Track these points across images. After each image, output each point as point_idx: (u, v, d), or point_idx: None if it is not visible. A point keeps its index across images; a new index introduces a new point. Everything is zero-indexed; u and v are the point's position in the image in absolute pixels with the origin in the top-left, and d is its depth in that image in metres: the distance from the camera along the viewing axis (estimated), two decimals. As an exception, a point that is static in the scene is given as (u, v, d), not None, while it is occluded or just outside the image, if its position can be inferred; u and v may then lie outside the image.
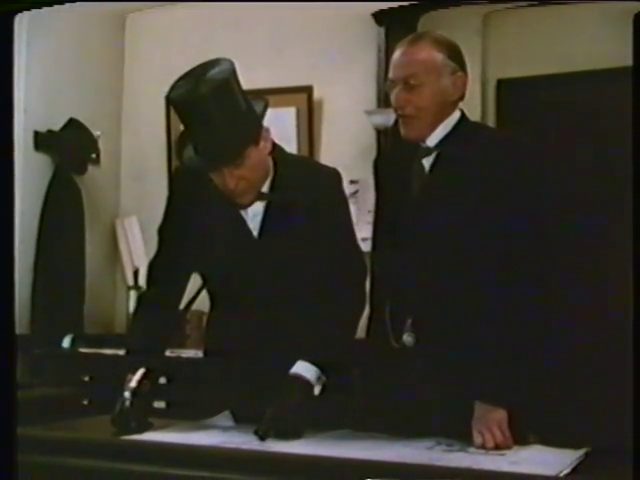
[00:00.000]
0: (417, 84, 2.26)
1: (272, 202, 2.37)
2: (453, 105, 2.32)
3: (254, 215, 2.38)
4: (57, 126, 4.61)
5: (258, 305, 2.37)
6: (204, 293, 2.51)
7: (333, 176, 2.47)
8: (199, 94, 2.17)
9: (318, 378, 2.25)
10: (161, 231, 2.50)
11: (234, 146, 2.24)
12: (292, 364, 2.25)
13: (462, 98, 2.34)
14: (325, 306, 2.33)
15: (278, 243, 2.36)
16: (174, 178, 2.54)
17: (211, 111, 2.19)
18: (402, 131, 2.32)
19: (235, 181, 2.27)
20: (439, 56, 2.27)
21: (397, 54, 2.31)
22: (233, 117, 2.22)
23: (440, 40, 2.31)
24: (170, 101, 2.25)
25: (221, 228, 2.38)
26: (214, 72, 2.21)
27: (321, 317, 2.31)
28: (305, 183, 2.39)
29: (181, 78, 2.23)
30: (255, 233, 2.38)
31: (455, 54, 2.31)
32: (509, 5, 4.09)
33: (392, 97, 2.31)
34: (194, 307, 2.55)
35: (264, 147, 2.32)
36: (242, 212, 2.37)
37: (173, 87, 2.23)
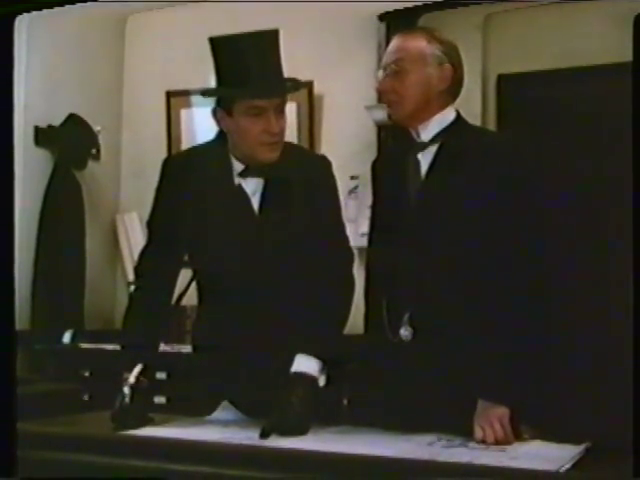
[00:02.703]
0: (400, 70, 2.28)
1: (270, 179, 2.39)
2: (443, 97, 2.32)
3: (252, 193, 2.41)
4: (57, 121, 4.61)
5: (253, 288, 2.39)
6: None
7: (324, 161, 2.52)
8: (255, 32, 2.32)
9: (321, 370, 2.25)
10: (150, 223, 2.51)
11: (285, 84, 2.37)
12: (290, 352, 2.25)
13: (454, 94, 2.34)
14: (315, 290, 2.35)
15: (276, 220, 2.39)
16: (166, 166, 2.53)
17: (267, 47, 2.32)
18: (388, 114, 2.36)
19: (279, 127, 2.33)
20: (427, 45, 2.30)
21: (390, 44, 2.36)
22: (281, 64, 2.36)
23: (433, 33, 2.34)
24: (221, 40, 2.34)
25: (221, 205, 2.41)
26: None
27: (312, 302, 2.33)
28: (300, 165, 2.44)
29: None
30: (255, 209, 2.41)
31: (449, 49, 2.32)
32: (510, 6, 4.10)
33: (378, 83, 2.34)
34: (193, 303, 2.55)
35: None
36: (243, 184, 2.39)
37: (220, 35, 2.34)
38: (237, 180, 2.41)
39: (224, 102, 2.37)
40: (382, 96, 2.35)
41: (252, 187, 2.41)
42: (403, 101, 2.30)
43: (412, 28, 2.40)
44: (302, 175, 2.42)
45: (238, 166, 2.41)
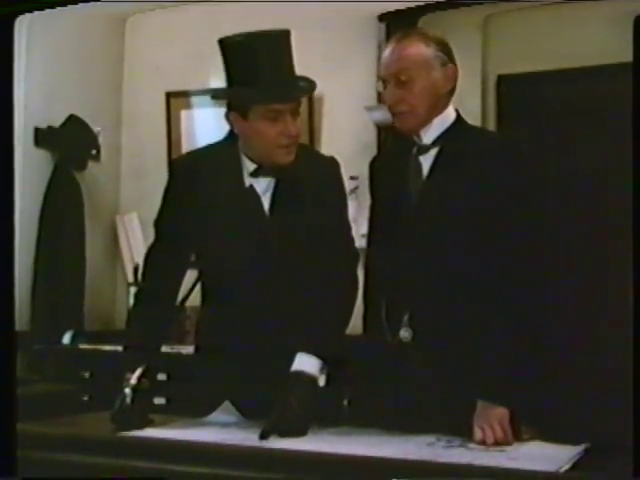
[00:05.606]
0: (408, 79, 2.27)
1: (281, 179, 2.38)
2: (445, 98, 2.32)
3: (263, 193, 2.40)
4: (57, 122, 4.61)
5: (261, 288, 2.38)
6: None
7: (333, 162, 2.51)
8: (267, 32, 2.28)
9: (321, 369, 2.25)
10: (157, 223, 2.50)
11: (301, 86, 2.36)
12: (293, 353, 2.25)
13: (454, 91, 2.34)
14: (321, 291, 2.35)
15: (286, 220, 2.38)
16: (174, 167, 2.54)
17: (280, 48, 2.29)
18: (396, 125, 2.34)
19: (296, 129, 2.32)
20: (427, 49, 2.28)
21: (386, 52, 2.34)
22: (294, 65, 2.33)
23: (427, 35, 2.33)
24: (231, 41, 2.31)
25: (231, 205, 2.40)
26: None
27: (317, 303, 2.33)
28: (310, 165, 2.43)
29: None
30: (266, 209, 2.40)
31: (445, 47, 2.32)
32: (510, 6, 4.10)
33: (384, 95, 2.32)
34: (193, 303, 2.55)
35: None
36: (254, 184, 2.39)
37: (231, 36, 2.30)
38: (248, 180, 2.41)
39: (238, 105, 2.34)
40: (390, 108, 2.32)
41: (263, 187, 2.40)
42: (414, 111, 2.28)
43: (405, 33, 2.36)
44: (312, 176, 2.41)
45: (250, 166, 2.40)
